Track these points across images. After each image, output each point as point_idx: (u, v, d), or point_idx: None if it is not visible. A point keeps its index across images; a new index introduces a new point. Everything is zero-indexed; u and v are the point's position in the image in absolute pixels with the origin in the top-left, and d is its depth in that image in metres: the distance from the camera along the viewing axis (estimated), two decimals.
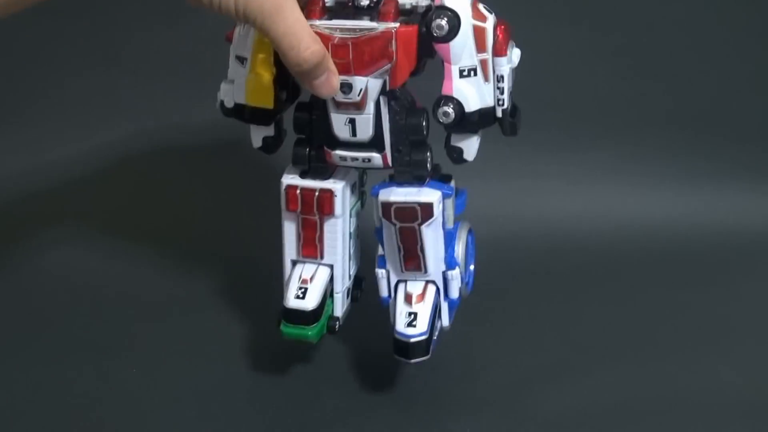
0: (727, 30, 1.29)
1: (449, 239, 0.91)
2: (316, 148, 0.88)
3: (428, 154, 0.87)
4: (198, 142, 1.28)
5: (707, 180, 1.29)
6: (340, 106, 0.83)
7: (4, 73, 1.31)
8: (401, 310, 0.89)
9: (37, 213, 1.23)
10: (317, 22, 0.82)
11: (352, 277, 0.95)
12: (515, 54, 0.85)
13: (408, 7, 0.84)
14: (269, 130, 0.90)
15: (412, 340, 0.88)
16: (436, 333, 0.91)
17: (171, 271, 1.15)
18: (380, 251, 0.91)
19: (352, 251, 0.94)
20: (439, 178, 0.91)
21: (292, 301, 0.89)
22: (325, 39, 0.80)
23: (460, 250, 0.92)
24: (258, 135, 0.90)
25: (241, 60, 0.87)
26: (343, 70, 0.81)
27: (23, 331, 1.04)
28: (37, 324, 1.05)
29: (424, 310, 0.89)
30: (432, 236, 0.88)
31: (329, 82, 0.79)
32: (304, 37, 0.76)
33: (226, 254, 1.17)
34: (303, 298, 0.89)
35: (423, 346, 0.88)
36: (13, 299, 1.10)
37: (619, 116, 1.30)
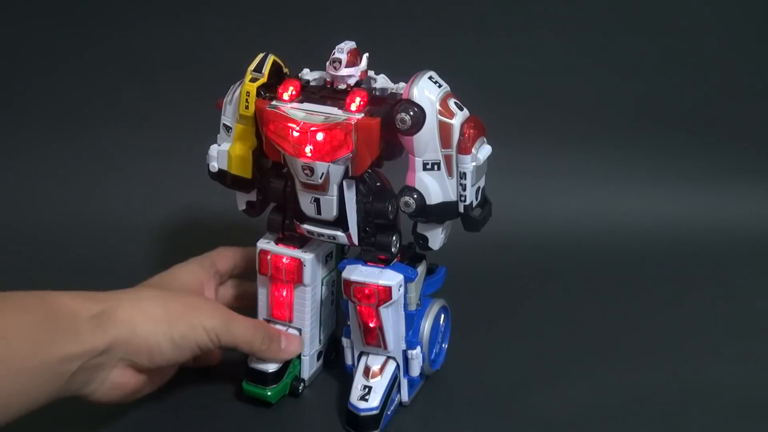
0: (726, 31, 1.28)
1: (411, 320, 0.92)
2: (290, 217, 0.91)
3: (394, 237, 0.89)
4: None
5: (707, 180, 1.30)
6: (306, 187, 0.86)
7: None
8: (357, 383, 0.92)
9: (39, 215, 1.28)
10: (288, 105, 0.85)
11: (323, 341, 0.98)
12: (483, 152, 0.84)
13: (387, 94, 0.86)
14: (252, 196, 0.93)
15: (362, 414, 0.90)
16: (391, 408, 0.92)
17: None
18: (348, 320, 0.94)
19: (323, 317, 0.96)
20: (411, 257, 0.92)
21: (254, 361, 0.93)
22: (290, 123, 0.83)
23: (426, 328, 0.93)
24: (242, 199, 0.94)
25: (227, 129, 0.91)
26: (306, 155, 0.83)
27: None
28: None
29: (379, 386, 0.91)
30: (391, 317, 0.89)
31: (286, 350, 0.93)
32: (255, 340, 0.90)
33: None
34: None
35: (373, 421, 0.90)
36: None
37: (620, 117, 1.30)
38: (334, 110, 0.84)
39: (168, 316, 0.84)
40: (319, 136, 0.82)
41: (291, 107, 0.85)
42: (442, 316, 0.97)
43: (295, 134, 0.83)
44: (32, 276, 1.17)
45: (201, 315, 0.86)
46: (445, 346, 0.99)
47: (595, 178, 1.29)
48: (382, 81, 0.88)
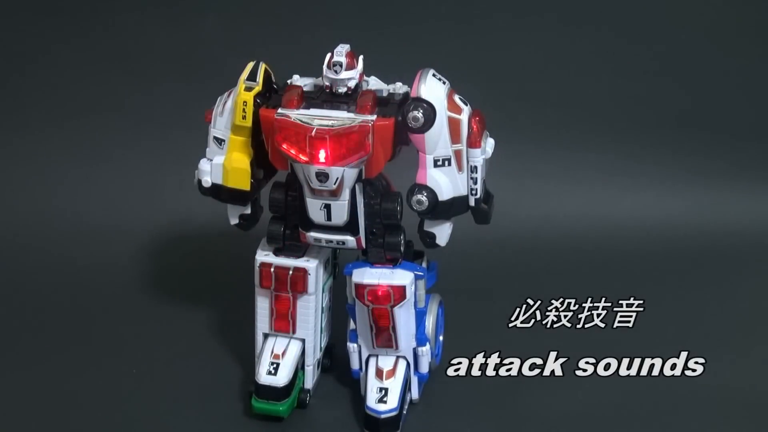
0: (726, 31, 1.30)
1: (420, 317, 0.92)
2: (291, 226, 0.89)
3: (401, 236, 0.89)
4: None
5: (707, 180, 1.31)
6: (316, 193, 0.85)
7: None
8: (372, 386, 0.91)
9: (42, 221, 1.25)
10: (295, 112, 0.83)
11: (323, 349, 0.97)
12: (489, 144, 0.86)
13: (385, 95, 0.86)
14: (246, 209, 0.91)
15: (383, 416, 0.89)
16: (406, 407, 0.93)
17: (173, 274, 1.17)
18: (351, 325, 0.93)
19: (323, 324, 0.95)
20: (413, 256, 0.93)
21: (264, 377, 0.91)
22: (302, 130, 0.82)
23: (430, 324, 0.94)
24: (235, 213, 0.91)
25: (219, 141, 0.88)
26: (322, 161, 0.82)
27: (23, 331, 1.06)
28: (37, 325, 1.07)
29: (394, 386, 0.91)
30: (404, 316, 0.90)
31: None
32: None
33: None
34: (275, 374, 0.91)
35: (393, 422, 0.90)
36: (14, 301, 1.12)
37: (620, 116, 1.31)
38: (343, 114, 0.83)
39: None
40: (335, 141, 0.81)
41: (299, 114, 0.83)
42: (439, 310, 0.98)
43: (310, 140, 0.81)
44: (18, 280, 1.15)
45: None
46: (441, 338, 1.00)
47: (596, 177, 1.30)
48: (374, 82, 0.88)
